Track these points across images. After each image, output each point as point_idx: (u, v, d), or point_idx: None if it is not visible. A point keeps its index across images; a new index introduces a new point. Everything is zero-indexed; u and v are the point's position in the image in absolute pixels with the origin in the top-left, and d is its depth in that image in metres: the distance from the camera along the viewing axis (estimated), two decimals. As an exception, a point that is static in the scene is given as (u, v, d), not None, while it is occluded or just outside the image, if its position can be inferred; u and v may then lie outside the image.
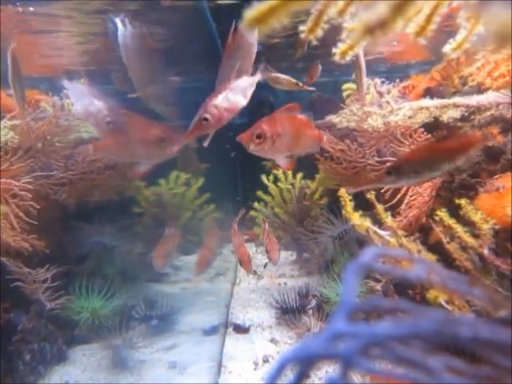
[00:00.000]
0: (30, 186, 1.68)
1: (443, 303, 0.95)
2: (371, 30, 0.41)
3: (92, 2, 1.91)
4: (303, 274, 2.59)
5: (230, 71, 1.34)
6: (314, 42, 0.44)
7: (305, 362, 0.30)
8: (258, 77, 1.42)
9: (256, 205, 2.74)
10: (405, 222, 1.58)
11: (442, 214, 1.17)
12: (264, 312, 2.19)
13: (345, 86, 2.46)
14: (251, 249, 2.62)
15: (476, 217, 1.13)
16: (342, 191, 1.27)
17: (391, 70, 3.49)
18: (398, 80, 2.16)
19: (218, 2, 1.91)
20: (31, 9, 1.96)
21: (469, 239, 1.11)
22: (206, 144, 1.41)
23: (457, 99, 1.72)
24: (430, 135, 1.72)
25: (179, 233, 2.06)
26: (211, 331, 2.01)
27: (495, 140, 1.52)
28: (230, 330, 2.05)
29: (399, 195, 1.67)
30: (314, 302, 2.10)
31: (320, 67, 1.98)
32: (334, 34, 0.45)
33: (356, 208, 1.26)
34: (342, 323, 0.32)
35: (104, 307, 1.96)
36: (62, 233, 2.09)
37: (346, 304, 0.34)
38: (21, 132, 1.79)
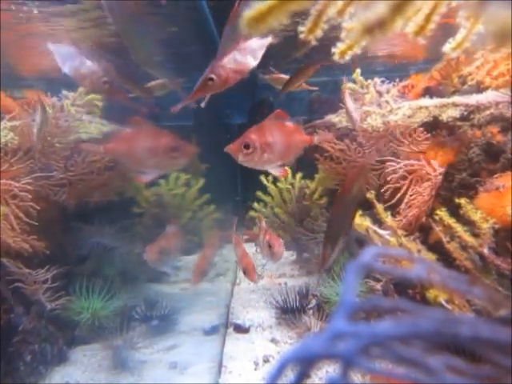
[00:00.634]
0: (29, 187, 1.68)
1: (443, 302, 0.95)
2: (370, 30, 0.41)
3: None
4: (303, 274, 2.59)
5: (236, 35, 1.31)
6: (314, 42, 0.44)
7: (305, 362, 0.30)
8: (268, 40, 1.37)
9: (256, 205, 2.74)
10: (404, 222, 1.58)
11: (442, 213, 1.17)
12: (264, 312, 2.19)
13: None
14: (251, 249, 2.62)
15: (476, 216, 1.14)
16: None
17: (391, 70, 3.49)
18: (397, 79, 2.16)
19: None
20: (35, 11, 1.96)
21: (469, 238, 1.12)
22: (203, 105, 1.40)
23: (456, 98, 1.72)
24: (429, 134, 1.72)
25: (179, 232, 2.03)
26: (211, 331, 2.01)
27: (495, 139, 1.52)
28: (231, 330, 2.05)
29: (399, 194, 1.67)
30: (314, 302, 2.10)
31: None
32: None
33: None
34: (343, 323, 0.32)
35: (104, 308, 1.96)
36: (62, 233, 2.09)
37: (347, 304, 0.34)
38: (20, 133, 1.79)
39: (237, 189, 3.74)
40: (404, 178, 1.69)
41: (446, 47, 0.49)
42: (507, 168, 1.41)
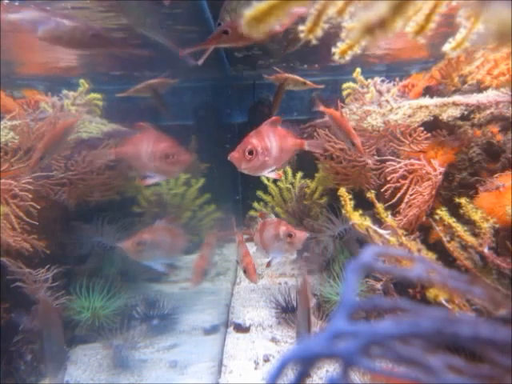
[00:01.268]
0: (30, 187, 1.68)
1: (443, 302, 0.95)
2: (371, 30, 0.41)
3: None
4: (303, 274, 2.59)
5: None
6: (314, 42, 0.43)
7: (306, 362, 0.30)
8: None
9: (256, 205, 2.74)
10: (405, 221, 1.58)
11: (442, 212, 1.17)
12: (264, 311, 2.19)
13: (344, 85, 2.45)
14: (251, 248, 2.62)
15: (476, 215, 1.13)
16: (342, 190, 1.28)
17: (391, 69, 3.49)
18: (397, 78, 2.16)
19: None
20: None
21: (469, 238, 1.12)
22: (200, 62, 1.41)
23: (456, 98, 1.72)
24: (429, 134, 1.72)
25: (173, 229, 1.88)
26: (212, 331, 2.02)
27: (495, 138, 1.52)
28: (231, 329, 2.06)
29: (399, 194, 1.67)
30: (314, 301, 2.10)
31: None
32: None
33: (356, 207, 1.26)
34: (343, 322, 0.32)
35: (105, 307, 1.96)
36: (62, 233, 2.09)
37: (347, 303, 0.34)
38: (20, 132, 1.79)
39: (237, 188, 3.74)
40: (404, 177, 1.69)
41: (447, 47, 0.49)
42: (507, 167, 1.41)
